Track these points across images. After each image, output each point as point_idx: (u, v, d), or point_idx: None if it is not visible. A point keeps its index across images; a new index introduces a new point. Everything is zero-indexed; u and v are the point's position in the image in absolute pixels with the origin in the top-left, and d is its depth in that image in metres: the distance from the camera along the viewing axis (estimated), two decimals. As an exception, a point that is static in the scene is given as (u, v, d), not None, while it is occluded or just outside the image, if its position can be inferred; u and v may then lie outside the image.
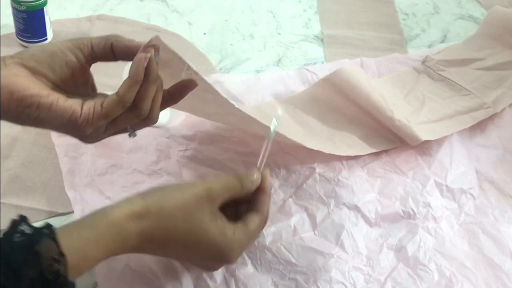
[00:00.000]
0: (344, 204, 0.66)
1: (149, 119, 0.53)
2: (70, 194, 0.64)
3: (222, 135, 0.73)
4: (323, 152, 0.72)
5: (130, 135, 0.54)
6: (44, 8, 0.79)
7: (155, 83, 0.51)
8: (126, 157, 0.69)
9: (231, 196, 0.54)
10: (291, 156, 0.71)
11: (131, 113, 0.51)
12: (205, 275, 0.58)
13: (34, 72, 0.51)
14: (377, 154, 0.73)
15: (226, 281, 0.59)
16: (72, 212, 0.63)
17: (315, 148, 0.68)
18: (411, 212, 0.66)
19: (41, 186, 0.65)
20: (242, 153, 0.71)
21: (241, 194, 0.55)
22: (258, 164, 0.58)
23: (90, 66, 0.54)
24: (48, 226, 0.44)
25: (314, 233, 0.63)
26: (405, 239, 0.64)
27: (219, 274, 0.59)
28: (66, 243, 0.44)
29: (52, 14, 0.83)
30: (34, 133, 0.70)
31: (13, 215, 0.62)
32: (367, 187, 0.69)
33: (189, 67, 0.53)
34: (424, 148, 0.74)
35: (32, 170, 0.67)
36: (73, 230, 0.46)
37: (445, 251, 0.64)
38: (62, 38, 0.84)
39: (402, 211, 0.67)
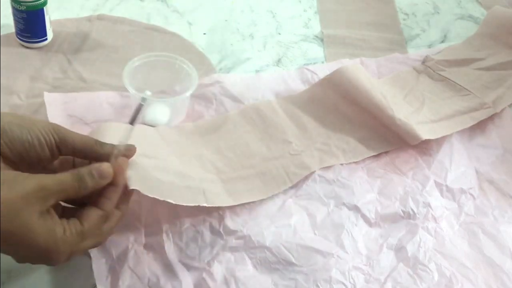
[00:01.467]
0: (344, 204, 0.66)
1: None
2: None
3: (222, 135, 0.72)
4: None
5: None
6: (44, 8, 0.79)
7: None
8: (126, 157, 0.69)
9: (68, 196, 0.48)
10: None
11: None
12: (204, 274, 0.58)
13: (7, 158, 0.50)
14: (377, 154, 0.73)
15: (226, 281, 0.59)
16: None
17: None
18: (411, 212, 0.66)
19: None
20: (242, 153, 0.71)
21: (81, 194, 0.49)
22: (115, 151, 0.52)
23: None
24: None
25: (314, 233, 0.63)
26: (405, 239, 0.64)
27: (219, 274, 0.59)
28: None
29: (52, 14, 0.83)
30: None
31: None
32: (367, 187, 0.69)
33: None
34: (424, 148, 0.74)
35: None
36: None
37: (445, 251, 0.64)
38: (62, 38, 0.84)
39: (402, 211, 0.67)
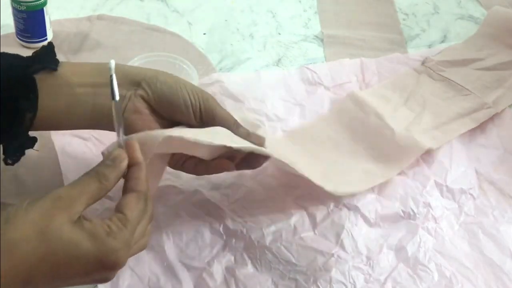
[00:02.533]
0: (344, 204, 0.66)
1: None
2: (70, 194, 0.64)
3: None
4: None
5: None
6: (44, 8, 0.79)
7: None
8: (126, 157, 0.69)
9: (96, 195, 0.45)
10: (291, 156, 0.71)
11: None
12: (204, 274, 0.58)
13: (153, 111, 0.56)
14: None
15: (226, 281, 0.59)
16: (72, 212, 0.63)
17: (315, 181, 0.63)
18: (411, 213, 0.66)
19: (41, 186, 0.65)
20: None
21: (107, 189, 0.46)
22: (117, 137, 0.49)
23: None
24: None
25: (314, 233, 0.63)
26: (405, 239, 0.64)
27: (219, 274, 0.59)
28: None
29: (52, 14, 0.83)
30: (34, 133, 0.70)
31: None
32: (367, 187, 0.69)
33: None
34: (424, 148, 0.74)
35: (32, 170, 0.67)
36: None
37: (445, 251, 0.64)
38: (62, 38, 0.84)
39: (402, 211, 0.67)
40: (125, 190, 0.47)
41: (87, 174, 0.46)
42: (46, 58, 0.55)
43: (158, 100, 0.56)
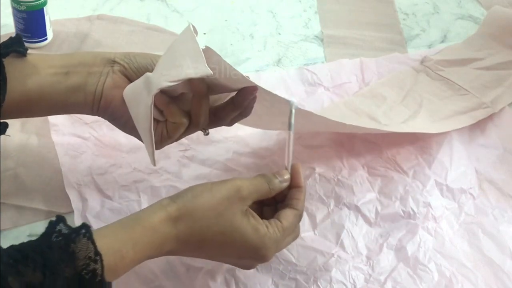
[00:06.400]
0: (344, 204, 0.66)
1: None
2: (70, 193, 0.64)
3: (223, 135, 0.73)
4: (323, 152, 0.72)
5: (204, 134, 0.61)
6: (44, 8, 0.79)
7: (207, 97, 0.54)
8: (126, 156, 0.69)
9: (260, 197, 0.54)
10: (291, 156, 0.71)
11: (192, 127, 0.56)
12: (204, 274, 0.58)
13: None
14: (378, 150, 0.73)
15: (226, 281, 0.59)
16: (72, 212, 0.63)
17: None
18: (411, 212, 0.66)
19: (41, 186, 0.65)
20: (242, 153, 0.71)
21: (270, 195, 0.55)
22: (286, 162, 0.56)
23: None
24: (85, 226, 0.45)
25: (314, 233, 0.63)
26: (405, 239, 0.64)
27: (219, 274, 0.59)
28: (102, 244, 0.45)
29: (52, 14, 0.83)
30: (34, 133, 0.70)
31: (13, 215, 0.62)
32: (367, 186, 0.69)
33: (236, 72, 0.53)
34: (424, 147, 0.74)
35: (32, 170, 0.67)
36: (109, 232, 0.48)
37: (445, 251, 0.64)
38: (62, 38, 0.84)
39: (402, 211, 0.67)
40: (286, 205, 0.55)
41: (262, 177, 0.54)
42: (14, 45, 0.56)
43: (136, 71, 0.57)
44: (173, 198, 0.51)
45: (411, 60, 0.88)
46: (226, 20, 0.94)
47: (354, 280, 0.60)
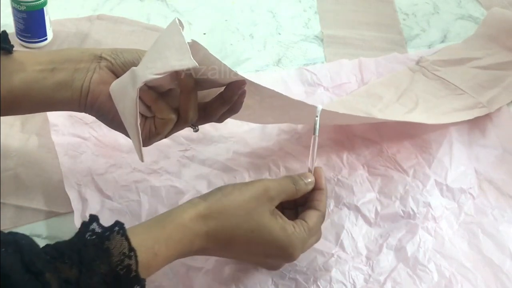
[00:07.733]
0: (344, 204, 0.66)
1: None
2: (70, 193, 0.64)
3: (222, 135, 0.73)
4: (323, 152, 0.72)
5: (194, 131, 0.61)
6: (44, 8, 0.79)
7: (195, 92, 0.54)
8: (126, 156, 0.69)
9: (286, 197, 0.55)
10: (291, 156, 0.71)
11: (181, 123, 0.56)
12: (205, 274, 0.58)
13: None
14: (379, 149, 0.73)
15: (226, 281, 0.59)
16: (72, 212, 0.63)
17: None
18: (411, 212, 0.67)
19: (41, 186, 0.65)
20: (242, 153, 0.71)
21: (296, 196, 0.56)
22: (309, 164, 0.58)
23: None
24: (118, 224, 0.47)
25: (314, 233, 0.63)
26: (404, 239, 0.64)
27: (219, 274, 0.59)
28: (136, 241, 0.46)
29: (52, 14, 0.83)
30: (34, 133, 0.70)
31: (13, 215, 0.62)
32: (367, 186, 0.69)
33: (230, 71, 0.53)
34: (423, 146, 0.74)
35: (32, 170, 0.67)
36: (142, 230, 0.49)
37: (445, 251, 0.64)
38: (62, 38, 0.84)
39: (402, 211, 0.67)
40: (309, 207, 0.57)
41: (288, 178, 0.56)
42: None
43: (123, 66, 0.57)
44: (203, 197, 0.52)
45: (410, 60, 0.88)
46: (226, 20, 0.94)
47: (353, 280, 0.60)
